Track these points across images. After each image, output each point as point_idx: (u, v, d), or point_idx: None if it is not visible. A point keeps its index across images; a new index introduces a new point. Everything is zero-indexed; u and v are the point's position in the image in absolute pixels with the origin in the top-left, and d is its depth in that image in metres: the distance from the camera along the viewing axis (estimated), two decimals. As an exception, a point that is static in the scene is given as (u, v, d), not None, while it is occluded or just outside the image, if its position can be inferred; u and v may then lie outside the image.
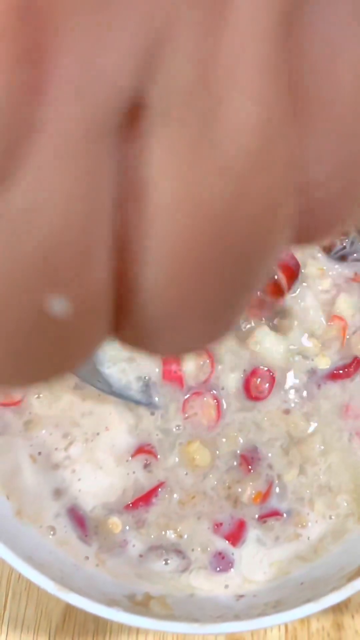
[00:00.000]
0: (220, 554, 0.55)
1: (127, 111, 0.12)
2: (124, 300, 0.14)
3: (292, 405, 0.57)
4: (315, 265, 0.59)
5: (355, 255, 0.59)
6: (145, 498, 0.55)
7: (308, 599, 0.48)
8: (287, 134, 0.13)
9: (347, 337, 0.59)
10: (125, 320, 0.14)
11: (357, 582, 0.48)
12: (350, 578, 0.48)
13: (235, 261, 0.14)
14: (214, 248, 0.13)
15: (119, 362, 0.57)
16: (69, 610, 0.59)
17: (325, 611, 0.59)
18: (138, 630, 0.58)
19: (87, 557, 0.54)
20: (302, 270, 0.59)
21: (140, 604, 0.52)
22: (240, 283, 0.14)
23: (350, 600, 0.59)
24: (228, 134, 0.12)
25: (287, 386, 0.57)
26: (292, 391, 0.57)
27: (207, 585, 0.54)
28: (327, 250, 0.59)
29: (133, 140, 0.12)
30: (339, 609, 0.59)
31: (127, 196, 0.13)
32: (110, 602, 0.48)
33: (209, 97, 0.12)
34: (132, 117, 0.12)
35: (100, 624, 0.59)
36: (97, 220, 0.13)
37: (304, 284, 0.59)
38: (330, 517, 0.55)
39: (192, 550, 0.55)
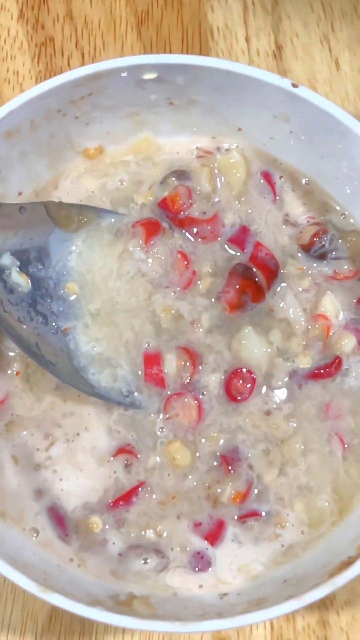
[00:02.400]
0: (199, 553, 0.55)
1: None
2: None
3: (273, 406, 0.57)
4: (295, 264, 0.59)
5: (334, 253, 0.59)
6: (126, 497, 0.56)
7: (290, 596, 0.48)
8: None
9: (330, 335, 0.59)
10: None
11: (339, 578, 0.48)
12: (332, 574, 0.49)
13: None
14: None
15: (101, 364, 0.57)
16: (55, 612, 0.59)
17: (310, 609, 0.59)
18: (124, 631, 0.59)
19: (71, 559, 0.55)
20: (282, 270, 0.59)
21: (124, 604, 0.52)
22: None
23: (335, 597, 0.60)
24: None
25: (268, 387, 0.57)
26: (273, 392, 0.58)
27: (185, 584, 0.54)
28: (306, 249, 0.59)
29: None
30: (324, 606, 0.60)
31: None
32: (94, 602, 0.49)
33: None
34: None
35: (86, 625, 0.59)
36: None
37: (284, 283, 0.59)
38: (303, 532, 0.56)
39: (172, 549, 0.55)
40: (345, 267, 0.59)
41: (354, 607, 0.60)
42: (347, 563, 0.49)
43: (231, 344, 0.58)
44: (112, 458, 0.57)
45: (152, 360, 0.57)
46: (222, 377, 0.58)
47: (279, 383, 0.57)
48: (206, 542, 0.55)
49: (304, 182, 0.60)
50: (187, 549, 0.55)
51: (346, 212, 0.60)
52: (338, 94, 0.68)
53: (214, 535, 0.55)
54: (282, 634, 0.59)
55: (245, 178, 0.60)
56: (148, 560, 0.55)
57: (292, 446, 0.56)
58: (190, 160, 0.61)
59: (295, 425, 0.57)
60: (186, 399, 0.57)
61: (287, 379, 0.58)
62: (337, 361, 0.58)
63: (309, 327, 0.59)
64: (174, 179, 0.60)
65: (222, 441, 0.57)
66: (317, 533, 0.55)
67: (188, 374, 0.57)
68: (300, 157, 0.60)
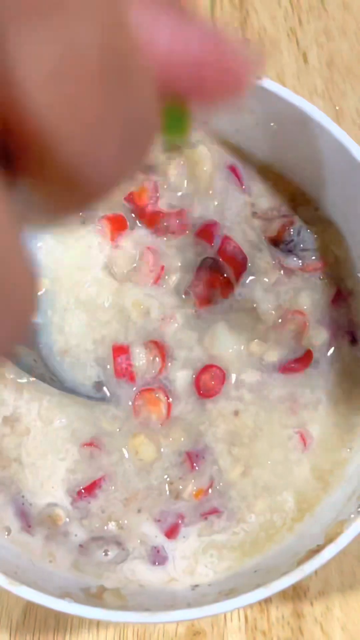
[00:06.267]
0: (156, 548, 0.55)
1: None
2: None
3: (241, 403, 0.57)
4: (263, 258, 0.59)
5: (302, 245, 0.59)
6: (89, 489, 0.56)
7: (259, 584, 0.48)
8: None
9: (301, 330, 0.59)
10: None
11: (307, 565, 0.48)
12: (300, 562, 0.49)
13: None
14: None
15: (70, 358, 0.57)
16: (30, 608, 0.59)
17: (284, 599, 0.59)
18: (98, 625, 0.59)
19: (43, 556, 0.55)
20: (249, 264, 0.59)
21: (95, 596, 0.52)
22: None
23: (309, 588, 0.60)
24: None
25: (237, 383, 0.57)
26: (242, 388, 0.57)
27: (144, 577, 0.54)
28: (274, 241, 0.60)
29: None
30: (297, 597, 0.60)
31: None
32: (63, 595, 0.49)
33: None
34: None
35: (61, 621, 0.59)
36: None
37: (252, 277, 0.59)
38: (264, 529, 0.56)
39: (131, 542, 0.55)
40: (314, 258, 0.60)
41: (327, 598, 0.60)
42: (315, 551, 0.49)
43: (203, 340, 0.58)
44: (77, 450, 0.57)
45: (121, 354, 0.57)
46: (192, 373, 0.57)
47: (249, 380, 0.57)
48: (165, 536, 0.55)
49: (270, 173, 0.61)
50: (147, 542, 0.55)
51: (318, 206, 0.60)
52: (306, 87, 0.69)
53: (174, 530, 0.55)
54: (257, 625, 0.59)
55: (212, 171, 0.61)
56: (108, 552, 0.55)
57: (258, 444, 0.56)
58: (157, 154, 0.61)
59: (262, 422, 0.57)
60: (157, 394, 0.57)
61: (256, 376, 0.57)
62: (307, 355, 0.58)
63: (280, 320, 0.58)
64: (140, 173, 0.61)
65: (188, 437, 0.56)
66: (279, 530, 0.56)
67: (157, 369, 0.57)
68: (266, 149, 0.60)
